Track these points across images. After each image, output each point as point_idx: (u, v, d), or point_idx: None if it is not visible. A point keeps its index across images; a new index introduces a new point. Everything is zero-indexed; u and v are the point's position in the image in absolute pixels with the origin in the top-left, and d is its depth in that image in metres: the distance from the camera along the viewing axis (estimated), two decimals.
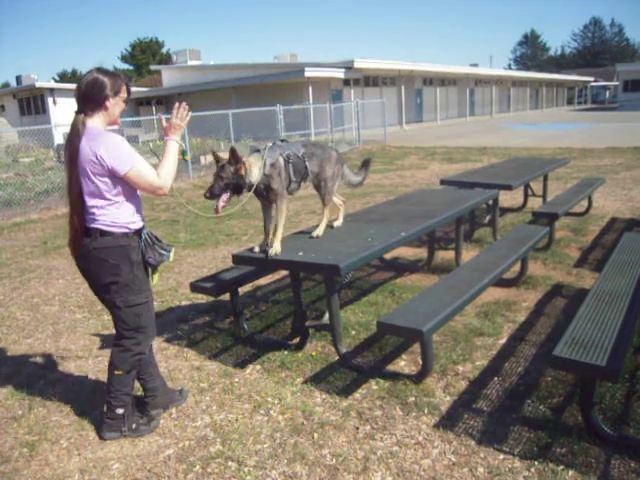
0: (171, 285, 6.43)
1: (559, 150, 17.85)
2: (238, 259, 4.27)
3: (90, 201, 3.18)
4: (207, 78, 35.65)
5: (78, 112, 3.21)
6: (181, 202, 9.12)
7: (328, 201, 4.46)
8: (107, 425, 3.48)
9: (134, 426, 3.51)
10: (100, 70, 3.24)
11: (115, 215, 3.20)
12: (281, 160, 4.04)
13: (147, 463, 3.25)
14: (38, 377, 4.39)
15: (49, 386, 4.22)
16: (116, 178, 3.13)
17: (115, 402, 3.44)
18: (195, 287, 4.80)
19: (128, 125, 29.96)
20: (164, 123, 3.41)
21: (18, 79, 42.27)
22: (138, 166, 3.14)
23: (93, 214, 3.19)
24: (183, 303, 5.84)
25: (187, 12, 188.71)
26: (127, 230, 3.26)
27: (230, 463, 3.19)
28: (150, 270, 3.46)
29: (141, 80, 59.69)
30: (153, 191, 3.24)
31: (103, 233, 3.21)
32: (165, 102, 39.36)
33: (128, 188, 3.23)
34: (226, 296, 4.95)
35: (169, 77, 41.02)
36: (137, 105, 39.79)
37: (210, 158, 17.76)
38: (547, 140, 21.89)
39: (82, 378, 4.32)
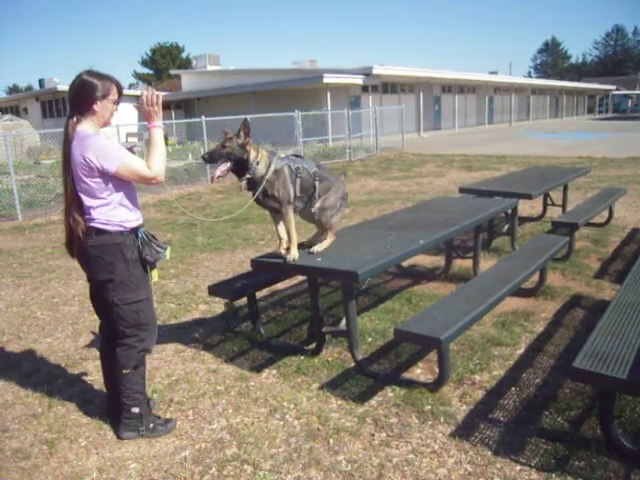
0: (188, 288, 6.47)
1: (579, 159, 17.73)
2: (257, 264, 4.29)
3: (85, 202, 3.23)
4: (226, 83, 35.82)
5: (69, 116, 3.26)
6: (184, 210, 9.13)
7: (329, 227, 4.31)
8: (124, 425, 3.51)
9: (151, 426, 3.53)
10: (89, 73, 3.26)
11: (110, 214, 3.25)
12: (286, 170, 3.98)
13: (164, 464, 3.27)
14: (57, 376, 4.43)
15: (68, 385, 4.26)
16: (108, 177, 3.17)
17: (129, 401, 3.47)
18: (213, 290, 4.83)
19: (147, 129, 30.19)
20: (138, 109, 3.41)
21: (41, 82, 42.81)
22: (127, 161, 3.18)
23: (89, 214, 3.24)
24: (200, 306, 5.87)
25: (207, 17, 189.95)
26: (122, 228, 3.30)
27: (246, 466, 3.20)
28: (149, 268, 3.49)
29: (160, 84, 60.05)
30: (147, 182, 3.28)
31: (99, 231, 3.26)
32: (184, 107, 39.59)
33: (122, 187, 3.26)
34: (243, 300, 4.98)
35: (188, 82, 41.28)
36: None
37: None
38: (567, 149, 21.75)
39: (100, 378, 4.33)
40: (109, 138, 3.39)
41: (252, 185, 3.95)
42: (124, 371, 3.45)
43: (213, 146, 3.97)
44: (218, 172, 3.85)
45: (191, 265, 7.46)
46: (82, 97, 3.23)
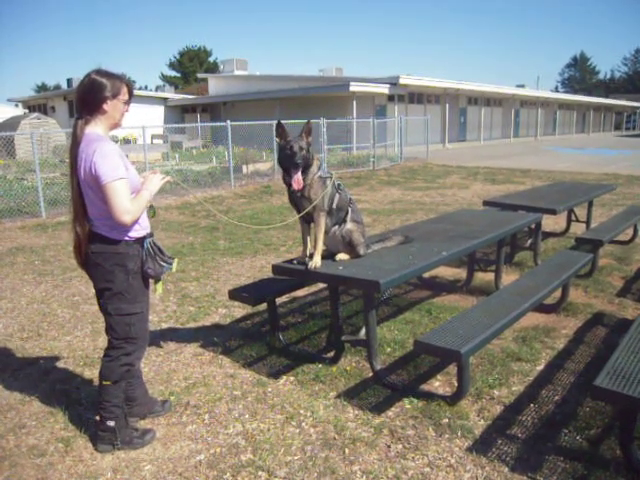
0: (209, 292, 6.49)
1: (604, 176, 17.55)
2: (278, 270, 4.29)
3: (90, 208, 3.17)
4: (252, 88, 36.03)
5: (77, 117, 3.17)
6: (232, 221, 9.16)
7: (356, 245, 4.28)
8: (100, 437, 3.43)
9: (127, 438, 3.45)
10: (99, 72, 3.17)
11: (114, 222, 3.12)
12: (329, 182, 4.04)
13: (178, 467, 3.27)
14: (75, 375, 4.46)
15: (86, 384, 4.29)
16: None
17: (105, 414, 3.39)
18: (233, 295, 4.84)
19: (172, 131, 30.48)
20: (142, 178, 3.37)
21: (69, 82, 43.32)
22: (120, 183, 3.05)
23: (94, 220, 3.19)
24: (220, 310, 5.88)
25: (235, 23, 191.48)
26: (127, 238, 3.21)
27: (260, 473, 3.19)
28: (153, 280, 3.43)
29: (187, 87, 60.59)
30: (119, 214, 3.05)
31: (102, 239, 3.19)
32: (210, 110, 39.88)
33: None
34: (262, 305, 4.98)
35: (215, 85, 41.56)
36: (183, 112, 40.40)
37: (252, 167, 17.94)
38: (592, 165, 21.56)
39: None
40: (117, 145, 3.30)
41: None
42: (104, 382, 3.38)
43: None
44: (301, 177, 3.87)
45: (212, 268, 7.49)
46: (91, 97, 3.14)
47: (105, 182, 3.02)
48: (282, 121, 3.99)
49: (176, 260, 3.50)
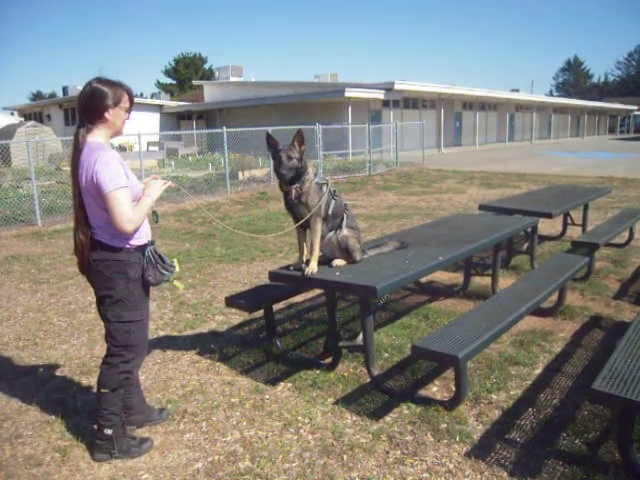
0: (205, 298, 6.47)
1: (599, 179, 17.60)
2: (275, 276, 4.28)
3: (91, 215, 3.18)
4: (248, 95, 36.05)
5: (79, 126, 3.18)
6: (229, 228, 9.13)
7: (353, 251, 4.29)
8: (97, 446, 3.42)
9: (125, 447, 3.43)
10: (100, 80, 3.18)
11: (115, 230, 3.12)
12: (325, 188, 4.03)
13: (176, 475, 3.25)
14: (72, 383, 4.44)
15: (82, 393, 4.26)
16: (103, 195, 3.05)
17: (103, 422, 3.38)
18: (230, 302, 4.82)
19: (168, 139, 30.47)
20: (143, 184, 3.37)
21: (65, 90, 43.36)
22: (122, 191, 3.05)
23: (95, 228, 3.19)
24: (217, 317, 5.86)
25: (230, 29, 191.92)
26: (128, 246, 3.22)
27: None
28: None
29: (183, 95, 60.57)
30: (121, 223, 3.06)
31: (103, 246, 3.19)
32: (206, 117, 39.90)
33: None
34: (259, 312, 4.97)
35: (210, 92, 41.58)
36: (178, 119, 40.40)
37: (248, 174, 17.95)
38: (587, 168, 21.60)
39: None
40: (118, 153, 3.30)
41: (298, 194, 3.97)
42: (102, 390, 3.37)
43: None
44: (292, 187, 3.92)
45: (209, 275, 7.47)
46: (93, 105, 3.15)
47: (107, 191, 3.02)
48: (278, 127, 4.03)
49: (177, 263, 3.50)
